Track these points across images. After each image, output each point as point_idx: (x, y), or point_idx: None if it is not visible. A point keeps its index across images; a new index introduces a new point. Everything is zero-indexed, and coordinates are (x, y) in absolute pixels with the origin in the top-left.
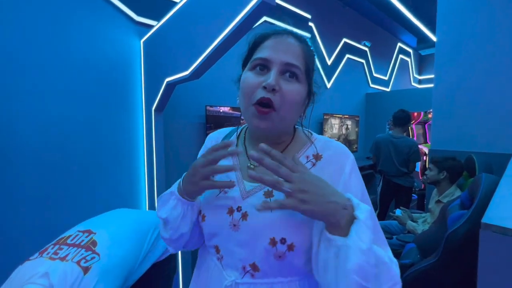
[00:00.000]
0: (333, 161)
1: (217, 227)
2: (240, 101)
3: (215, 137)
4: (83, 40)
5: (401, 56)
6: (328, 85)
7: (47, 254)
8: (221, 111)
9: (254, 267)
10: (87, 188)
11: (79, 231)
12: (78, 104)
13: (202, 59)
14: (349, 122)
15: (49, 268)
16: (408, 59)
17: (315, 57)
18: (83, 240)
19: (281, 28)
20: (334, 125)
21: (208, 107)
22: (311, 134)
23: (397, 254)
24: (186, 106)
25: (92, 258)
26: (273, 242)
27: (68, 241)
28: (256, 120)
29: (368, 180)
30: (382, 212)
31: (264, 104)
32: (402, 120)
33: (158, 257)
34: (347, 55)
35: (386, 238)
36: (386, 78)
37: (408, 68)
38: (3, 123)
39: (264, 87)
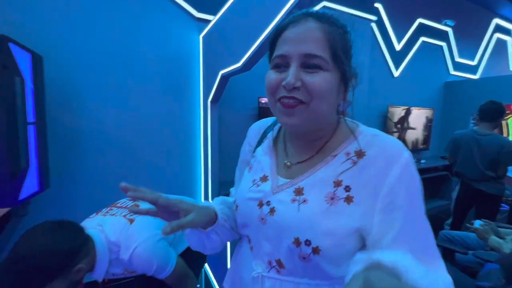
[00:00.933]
0: (378, 161)
1: (247, 218)
2: (267, 100)
3: (257, 127)
4: (150, 38)
5: (497, 35)
6: (396, 73)
7: (101, 213)
8: None
9: (280, 263)
10: (151, 170)
11: (127, 200)
12: (147, 96)
13: (253, 51)
14: (421, 115)
15: (101, 221)
16: (508, 38)
17: (349, 34)
18: (128, 205)
19: (299, 12)
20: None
21: (260, 99)
22: (357, 126)
23: (472, 272)
24: (239, 98)
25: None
26: (297, 242)
27: (117, 205)
28: (284, 117)
29: (441, 183)
30: (457, 222)
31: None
32: (492, 113)
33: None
34: (422, 38)
35: (461, 252)
36: (473, 63)
37: (506, 49)
38: (92, 112)
39: (284, 87)
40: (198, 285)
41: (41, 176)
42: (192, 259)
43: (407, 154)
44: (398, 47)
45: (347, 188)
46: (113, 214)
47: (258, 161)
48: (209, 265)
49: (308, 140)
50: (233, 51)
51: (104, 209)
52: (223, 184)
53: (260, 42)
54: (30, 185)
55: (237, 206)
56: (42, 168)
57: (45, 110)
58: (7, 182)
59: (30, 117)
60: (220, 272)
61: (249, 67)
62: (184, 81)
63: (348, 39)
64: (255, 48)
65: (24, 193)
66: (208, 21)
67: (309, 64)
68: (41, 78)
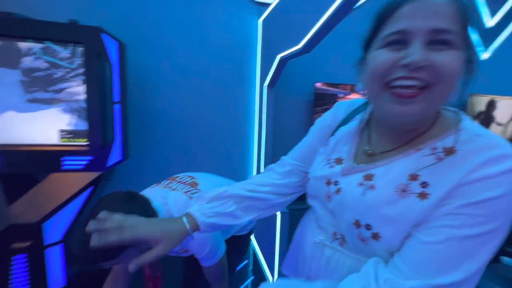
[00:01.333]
0: (469, 158)
1: (315, 192)
2: (367, 85)
3: (346, 105)
4: (213, 24)
5: None
6: (485, 55)
7: (161, 185)
8: (329, 88)
9: (343, 238)
10: (208, 146)
11: (185, 175)
12: (208, 80)
13: (315, 31)
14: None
15: (164, 193)
16: None
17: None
18: (187, 181)
19: None
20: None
21: (316, 84)
22: (460, 120)
23: None
24: (296, 82)
25: (195, 192)
26: (357, 224)
27: (177, 180)
28: (395, 106)
29: None
30: None
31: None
32: None
33: (236, 231)
34: None
35: None
36: None
37: None
38: (163, 93)
39: (404, 66)
40: (246, 261)
41: (124, 147)
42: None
43: None
44: (490, 22)
45: (424, 184)
46: (174, 189)
47: (337, 141)
48: (258, 245)
49: (400, 130)
50: (294, 33)
51: (164, 181)
52: None
53: (323, 22)
54: (115, 154)
55: (308, 179)
56: (125, 140)
57: (127, 91)
58: (98, 151)
59: (116, 97)
60: (267, 249)
61: (309, 48)
62: (242, 65)
63: (475, 15)
64: (317, 29)
65: (111, 161)
66: (267, 5)
67: (437, 40)
68: (124, 63)
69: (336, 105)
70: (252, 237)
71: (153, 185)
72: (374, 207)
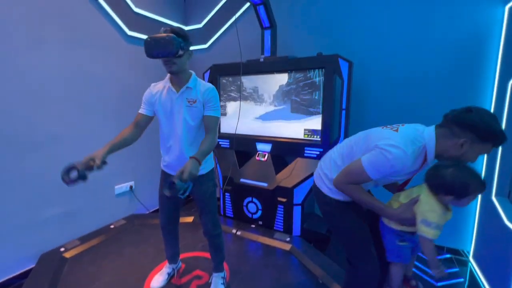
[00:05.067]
0: None
1: None
2: None
3: None
4: (444, 18)
5: None
6: None
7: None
8: None
9: None
10: None
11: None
12: (432, 80)
13: None
14: None
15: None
16: None
17: None
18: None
19: None
20: None
21: None
22: None
23: None
24: None
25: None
26: None
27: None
28: None
29: None
30: None
31: None
32: None
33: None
34: None
35: None
36: None
37: None
38: (375, 103)
39: None
40: (461, 279)
41: None
42: None
43: None
44: None
45: None
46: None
47: None
48: (479, 265)
49: None
50: None
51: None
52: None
53: None
54: None
55: None
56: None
57: (350, 100)
58: (327, 146)
59: (343, 104)
60: None
61: None
62: (474, 61)
63: None
64: None
65: None
66: None
67: None
68: (351, 78)
69: None
70: (471, 257)
71: (380, 127)
72: None
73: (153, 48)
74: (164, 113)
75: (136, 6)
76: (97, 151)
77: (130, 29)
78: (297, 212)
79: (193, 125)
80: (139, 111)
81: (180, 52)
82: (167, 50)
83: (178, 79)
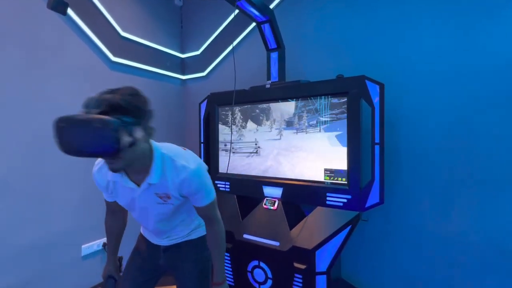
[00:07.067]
0: None
1: None
2: None
3: None
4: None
5: None
6: None
7: None
8: None
9: None
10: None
11: None
12: (484, 107)
13: None
14: None
15: None
16: None
17: None
18: None
19: None
20: None
21: None
22: None
23: None
24: None
25: None
26: None
27: None
28: None
29: None
30: None
31: None
32: None
33: None
34: None
35: None
36: None
37: None
38: (415, 134)
39: None
40: None
41: (381, 190)
42: None
43: None
44: None
45: None
46: None
47: None
48: None
49: None
50: None
51: None
52: None
53: None
54: (374, 196)
55: None
56: (382, 183)
57: (384, 132)
58: (357, 192)
59: (376, 138)
60: None
61: None
62: None
63: None
64: None
65: (369, 202)
66: None
67: None
68: (383, 104)
69: None
70: None
71: None
72: None
73: (73, 142)
74: (128, 207)
75: (124, 30)
76: (108, 267)
77: (115, 55)
78: (321, 283)
79: (172, 214)
80: (105, 198)
81: (126, 143)
82: (100, 148)
83: (132, 169)
